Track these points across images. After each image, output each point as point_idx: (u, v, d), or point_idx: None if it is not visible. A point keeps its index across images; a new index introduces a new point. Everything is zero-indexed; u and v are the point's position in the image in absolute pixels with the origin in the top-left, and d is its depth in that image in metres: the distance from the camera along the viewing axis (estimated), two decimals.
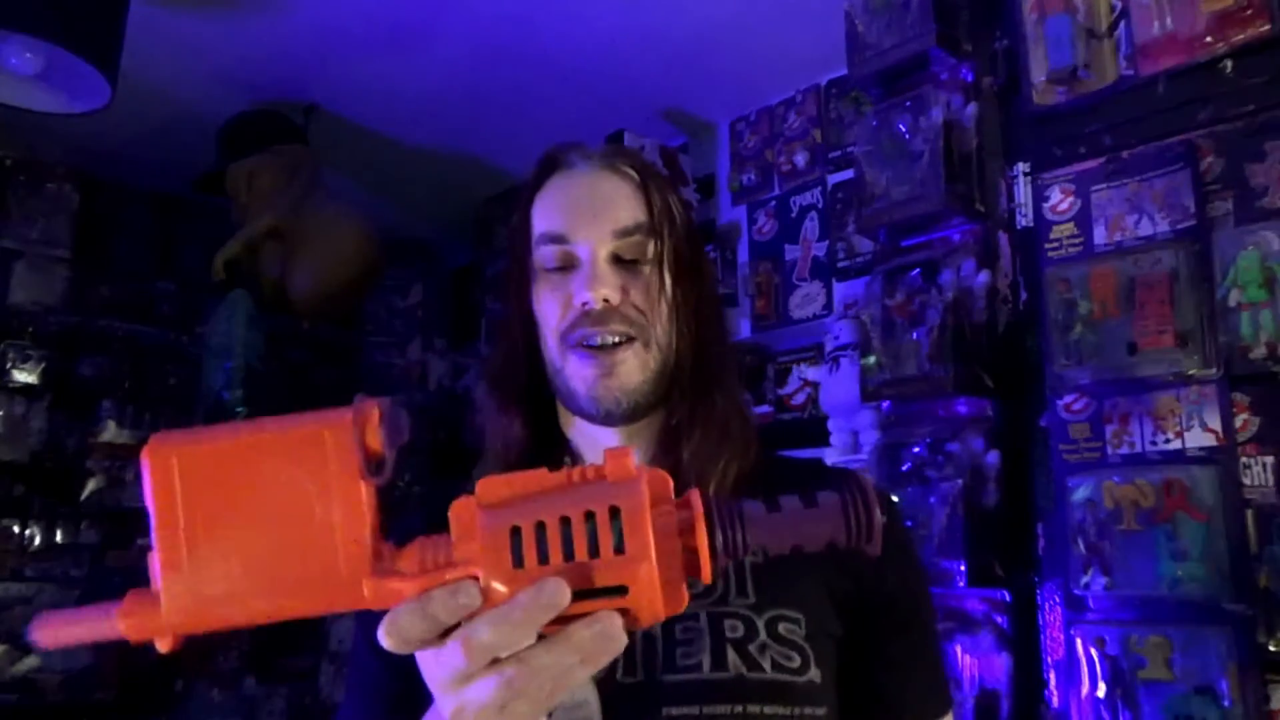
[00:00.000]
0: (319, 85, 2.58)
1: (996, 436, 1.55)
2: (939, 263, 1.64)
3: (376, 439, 0.47)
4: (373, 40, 2.34)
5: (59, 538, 2.90)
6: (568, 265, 0.83)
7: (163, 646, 0.48)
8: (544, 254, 0.83)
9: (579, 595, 0.45)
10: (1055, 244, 1.51)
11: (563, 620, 0.46)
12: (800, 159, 2.54)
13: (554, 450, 0.88)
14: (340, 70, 2.49)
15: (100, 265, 3.11)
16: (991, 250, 1.61)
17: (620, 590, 0.45)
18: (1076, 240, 1.49)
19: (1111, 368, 1.40)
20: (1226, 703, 1.23)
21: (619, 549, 0.45)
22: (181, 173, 2.91)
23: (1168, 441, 1.35)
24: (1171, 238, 1.39)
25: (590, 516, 0.46)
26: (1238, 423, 1.31)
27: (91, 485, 2.96)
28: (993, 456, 1.53)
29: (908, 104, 1.69)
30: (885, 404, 1.73)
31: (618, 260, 0.83)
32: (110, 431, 3.02)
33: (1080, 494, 1.42)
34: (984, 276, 1.59)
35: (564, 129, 2.75)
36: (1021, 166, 1.59)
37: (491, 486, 0.48)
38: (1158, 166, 1.42)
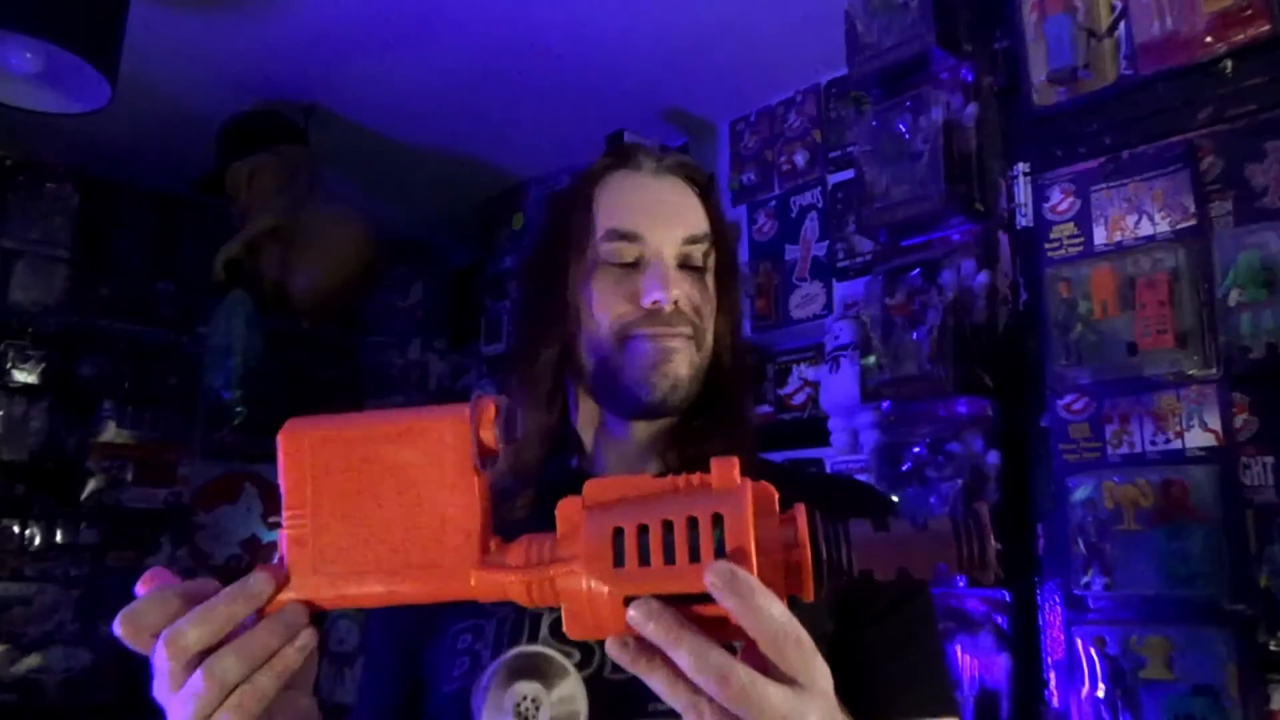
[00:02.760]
0: (319, 85, 2.58)
1: (996, 436, 1.55)
2: (939, 263, 1.64)
3: (491, 434, 0.49)
4: (373, 40, 2.34)
5: (59, 538, 2.90)
6: (635, 262, 0.85)
7: None
8: (611, 249, 0.85)
9: (679, 600, 0.46)
10: (1055, 244, 1.51)
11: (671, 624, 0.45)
12: (800, 159, 2.54)
13: (566, 447, 0.90)
14: (340, 70, 2.49)
15: (100, 265, 3.11)
16: (991, 250, 1.61)
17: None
18: (1076, 240, 1.49)
19: (1111, 368, 1.40)
20: (1226, 703, 1.23)
21: (720, 556, 0.45)
22: (181, 173, 2.91)
23: (1168, 441, 1.35)
24: (1171, 238, 1.39)
25: (693, 522, 0.46)
26: (1238, 423, 1.31)
27: (91, 485, 2.96)
28: (993, 456, 1.53)
29: (908, 104, 1.69)
30: (885, 404, 1.73)
31: (682, 266, 0.86)
32: (110, 431, 3.02)
33: (1080, 494, 1.42)
34: (984, 276, 1.59)
35: (564, 129, 2.77)
36: (1021, 166, 1.59)
37: (598, 488, 0.50)
38: (1158, 166, 1.42)
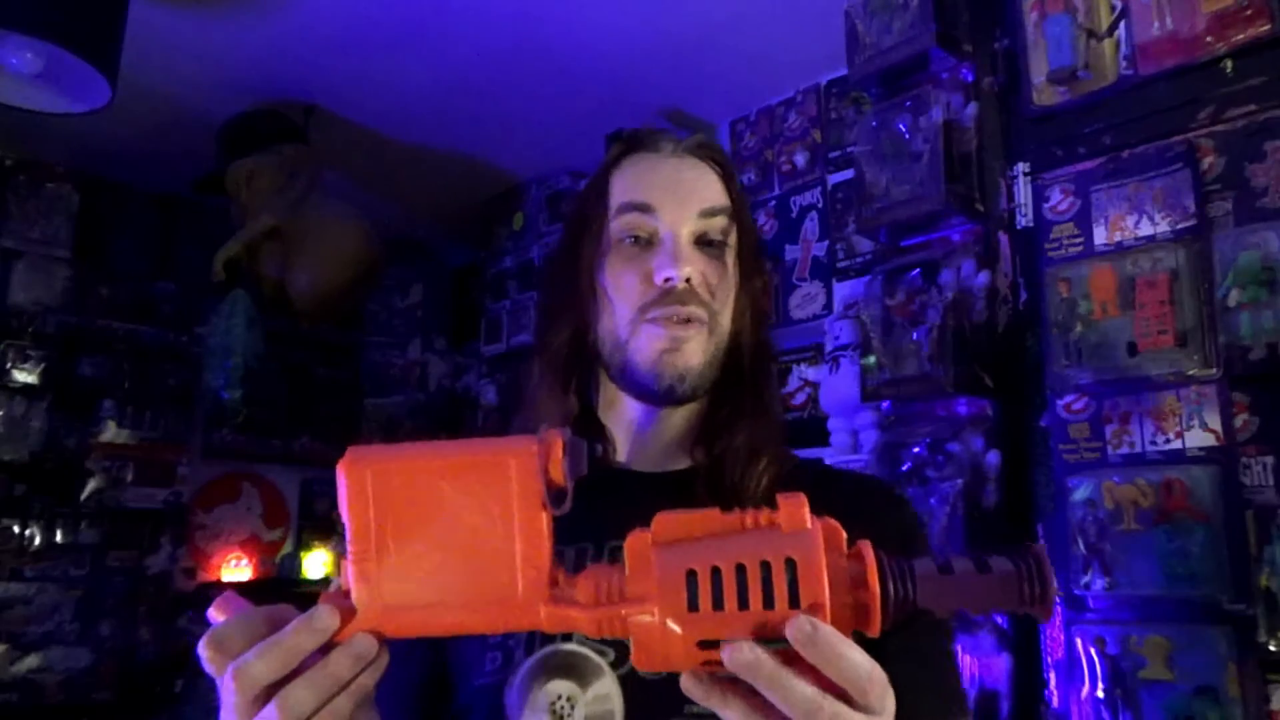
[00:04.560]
0: (319, 85, 2.58)
1: (996, 436, 1.54)
2: (939, 263, 1.64)
3: (559, 471, 0.50)
4: (373, 40, 2.34)
5: (59, 538, 2.90)
6: (649, 239, 0.83)
7: None
8: (625, 222, 0.83)
9: None
10: (1055, 244, 1.51)
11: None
12: (800, 159, 2.54)
13: (589, 435, 0.87)
14: (340, 70, 2.49)
15: (100, 265, 3.11)
16: (991, 250, 1.61)
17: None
18: (1076, 240, 1.49)
19: (1111, 368, 1.40)
20: (1226, 703, 1.23)
21: (794, 603, 0.46)
22: (181, 173, 2.91)
23: (1168, 441, 1.35)
24: (1171, 238, 1.39)
25: (766, 566, 0.47)
26: (1238, 423, 1.31)
27: (91, 485, 2.96)
28: (993, 456, 1.53)
29: (908, 104, 1.69)
30: (885, 404, 1.73)
31: (698, 242, 0.83)
32: (110, 431, 3.02)
33: (1080, 494, 1.42)
34: (984, 276, 1.59)
35: (564, 129, 2.77)
36: (1021, 166, 1.59)
37: (666, 523, 0.50)
38: (1158, 166, 1.42)
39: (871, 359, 1.69)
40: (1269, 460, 1.28)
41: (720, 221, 0.83)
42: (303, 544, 3.48)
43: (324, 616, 0.50)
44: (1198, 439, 1.33)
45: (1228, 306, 1.33)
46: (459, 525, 0.50)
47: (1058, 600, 0.47)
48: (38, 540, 2.87)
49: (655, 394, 0.82)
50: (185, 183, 2.90)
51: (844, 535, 0.49)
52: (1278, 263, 1.30)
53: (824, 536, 0.48)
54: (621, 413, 0.87)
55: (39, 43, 1.90)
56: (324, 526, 3.48)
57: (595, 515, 0.65)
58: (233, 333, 2.78)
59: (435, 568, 0.50)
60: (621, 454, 0.87)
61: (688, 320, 0.80)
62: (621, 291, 0.83)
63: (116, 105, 2.07)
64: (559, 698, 0.73)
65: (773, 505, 0.50)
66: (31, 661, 2.79)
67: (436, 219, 3.48)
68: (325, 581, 3.35)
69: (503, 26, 2.27)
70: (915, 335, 1.61)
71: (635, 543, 0.50)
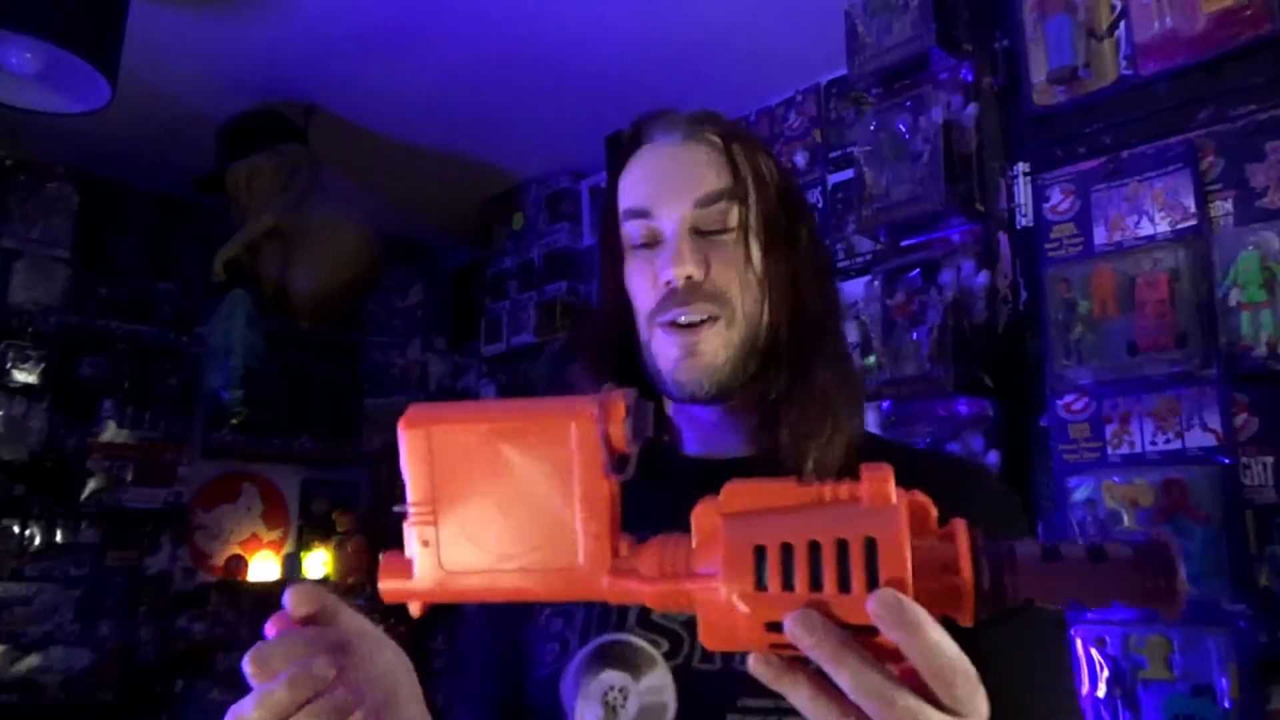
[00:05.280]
0: (319, 85, 2.58)
1: (996, 436, 1.54)
2: (939, 263, 1.64)
3: (621, 433, 0.46)
4: (373, 40, 2.33)
5: (59, 538, 2.90)
6: (653, 241, 0.81)
7: (413, 611, 0.51)
8: (629, 230, 0.82)
9: None
10: (1055, 244, 1.51)
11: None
12: (800, 159, 2.54)
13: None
14: (340, 70, 2.48)
15: (100, 265, 3.11)
16: (991, 250, 1.61)
17: (870, 629, 0.42)
18: (1076, 240, 1.49)
19: (1111, 368, 1.40)
20: (1226, 703, 1.23)
21: (872, 586, 0.42)
22: (181, 173, 2.91)
23: (1168, 441, 1.35)
24: (1171, 238, 1.39)
25: (843, 545, 0.42)
26: (1238, 423, 1.31)
27: (91, 485, 2.96)
28: (993, 456, 1.53)
29: (908, 104, 1.69)
30: (885, 404, 1.73)
31: (699, 233, 0.79)
32: (110, 431, 3.01)
33: (1080, 494, 1.42)
34: (984, 276, 1.59)
35: (564, 129, 2.77)
36: (1021, 166, 1.59)
37: (736, 494, 0.46)
38: (1158, 166, 1.42)
39: (872, 359, 1.69)
40: (1269, 460, 1.28)
41: (719, 207, 0.79)
42: (303, 544, 3.48)
43: (321, 668, 0.51)
44: (1198, 439, 1.33)
45: (1228, 306, 1.33)
46: (519, 488, 0.47)
47: (1181, 606, 0.40)
48: (38, 540, 2.87)
49: (679, 399, 0.81)
50: (185, 183, 2.90)
51: (934, 513, 0.44)
52: (1277, 263, 1.30)
53: (910, 513, 0.43)
54: (681, 406, 0.85)
55: (39, 43, 1.90)
56: (324, 526, 3.48)
57: (660, 503, 0.64)
58: (233, 333, 2.78)
59: (495, 532, 0.48)
60: (691, 445, 0.86)
61: (699, 321, 0.77)
62: (637, 297, 0.82)
63: (116, 105, 2.07)
64: (612, 688, 0.72)
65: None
66: (31, 661, 2.79)
67: (436, 219, 3.47)
68: (324, 581, 3.35)
69: (503, 27, 2.27)
70: (915, 335, 1.61)
71: (703, 513, 0.46)
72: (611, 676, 0.73)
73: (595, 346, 0.87)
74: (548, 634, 0.78)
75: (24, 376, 2.86)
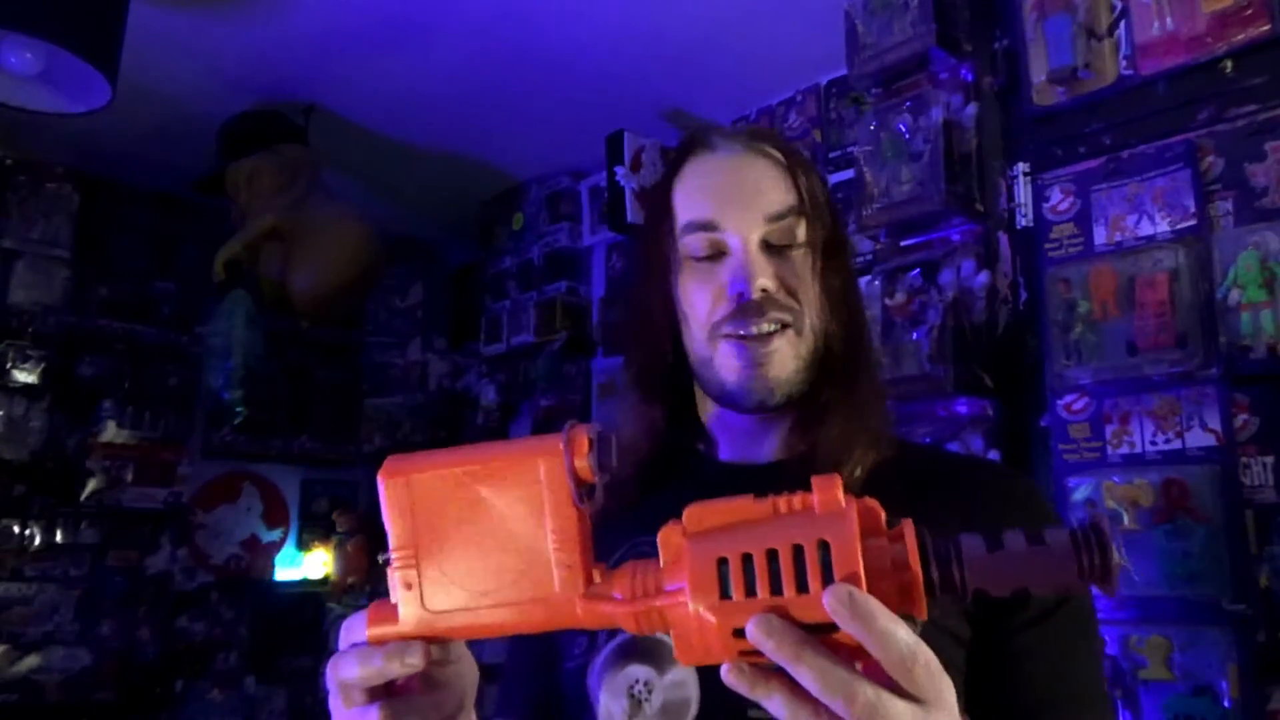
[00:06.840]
0: (319, 85, 2.58)
1: (996, 436, 1.55)
2: (939, 263, 1.64)
3: (587, 466, 0.49)
4: (373, 40, 2.33)
5: (59, 538, 2.90)
6: (716, 254, 0.81)
7: None
8: (692, 242, 0.82)
9: None
10: (1055, 244, 1.51)
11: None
12: None
13: (689, 438, 0.88)
14: (340, 70, 2.48)
15: (100, 265, 3.11)
16: (991, 250, 1.61)
17: (829, 628, 0.44)
18: (1076, 240, 1.49)
19: (1111, 368, 1.40)
20: (1226, 703, 1.23)
21: (828, 585, 0.44)
22: (181, 173, 2.91)
23: (1168, 441, 1.35)
24: (1171, 238, 1.39)
25: (799, 550, 0.45)
26: (1238, 423, 1.31)
27: (91, 485, 2.96)
28: (993, 456, 1.53)
29: (908, 104, 1.69)
30: None
31: (768, 247, 0.80)
32: (110, 431, 3.01)
33: (1080, 494, 1.42)
34: (984, 276, 1.59)
35: (564, 129, 2.77)
36: (1021, 166, 1.59)
37: (698, 514, 0.49)
38: (1158, 166, 1.42)
39: None
40: (1269, 460, 1.28)
41: (786, 223, 0.81)
42: (303, 544, 3.48)
43: (415, 652, 0.52)
44: (1198, 439, 1.33)
45: (1228, 306, 1.33)
46: (496, 527, 0.50)
47: (1115, 583, 0.45)
48: (38, 540, 2.87)
49: (746, 408, 0.81)
50: (185, 183, 2.90)
51: (882, 515, 0.47)
52: (1277, 263, 1.30)
53: (861, 516, 0.46)
54: (720, 415, 0.86)
55: (39, 43, 1.90)
56: (324, 526, 3.48)
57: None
58: (233, 333, 2.77)
59: (475, 570, 0.50)
60: (725, 452, 0.88)
61: (770, 332, 0.79)
62: (696, 308, 0.82)
63: (116, 105, 2.07)
64: (637, 682, 0.74)
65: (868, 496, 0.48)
66: (31, 661, 2.79)
67: (436, 219, 3.47)
68: (324, 581, 3.35)
69: (503, 26, 2.27)
70: (915, 335, 1.61)
71: (668, 535, 0.49)
72: (637, 670, 0.74)
73: (649, 358, 0.88)
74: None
75: (24, 376, 2.86)
